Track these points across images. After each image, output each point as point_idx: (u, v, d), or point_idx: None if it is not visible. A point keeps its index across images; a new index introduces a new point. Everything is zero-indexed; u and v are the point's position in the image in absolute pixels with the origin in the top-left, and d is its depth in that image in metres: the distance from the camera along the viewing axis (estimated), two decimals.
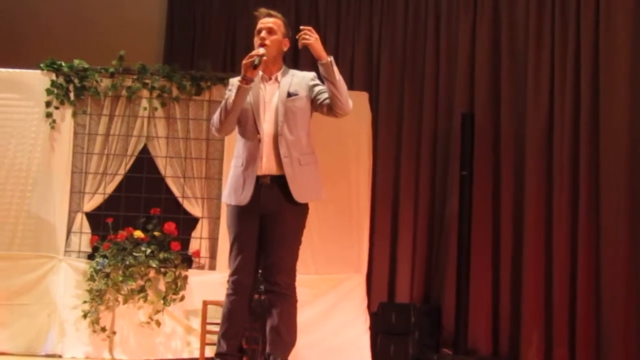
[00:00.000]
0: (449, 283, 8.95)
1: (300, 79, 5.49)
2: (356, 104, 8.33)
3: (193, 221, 8.38)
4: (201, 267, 8.31)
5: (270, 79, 5.50)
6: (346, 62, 9.90)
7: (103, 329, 7.93)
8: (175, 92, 8.39)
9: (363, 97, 8.66)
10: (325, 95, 5.38)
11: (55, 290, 8.08)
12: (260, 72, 5.43)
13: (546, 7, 8.76)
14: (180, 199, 8.38)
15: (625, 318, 8.04)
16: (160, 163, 8.40)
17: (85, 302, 7.95)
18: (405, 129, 9.50)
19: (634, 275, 8.07)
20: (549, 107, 8.68)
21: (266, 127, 5.35)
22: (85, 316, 7.92)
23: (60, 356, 7.91)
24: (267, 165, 5.33)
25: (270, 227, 5.35)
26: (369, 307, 8.56)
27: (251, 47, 10.55)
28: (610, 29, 8.40)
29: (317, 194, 5.44)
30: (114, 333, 7.98)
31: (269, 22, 5.48)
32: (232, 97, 5.33)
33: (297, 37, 5.30)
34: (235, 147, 5.54)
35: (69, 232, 8.26)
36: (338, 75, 5.26)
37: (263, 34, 5.44)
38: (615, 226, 8.16)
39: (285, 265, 5.36)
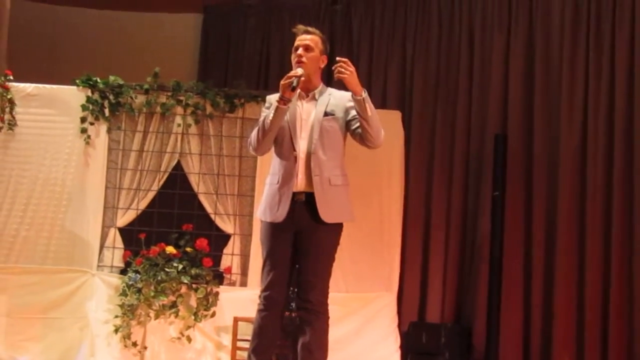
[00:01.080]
0: (480, 303, 8.92)
1: (338, 99, 5.46)
2: (389, 123, 8.42)
3: (225, 238, 8.41)
4: (232, 284, 8.33)
5: (307, 96, 5.48)
6: (379, 80, 9.93)
7: (134, 344, 7.96)
8: (208, 109, 8.43)
9: (396, 116, 8.68)
10: (358, 123, 5.37)
11: (87, 305, 8.12)
12: (298, 89, 5.40)
13: (581, 26, 8.74)
14: (212, 216, 8.41)
15: None
16: (193, 179, 8.44)
17: (117, 316, 7.98)
18: (437, 149, 9.50)
19: None
20: (582, 128, 8.65)
21: (302, 145, 5.34)
22: (116, 331, 7.96)
23: None
24: (301, 183, 5.32)
25: (304, 244, 5.35)
26: (399, 326, 8.54)
27: (285, 66, 10.63)
28: None
29: (345, 215, 5.41)
30: (145, 348, 8.01)
31: (307, 39, 5.45)
32: (270, 117, 5.32)
33: (332, 68, 5.28)
34: (271, 164, 5.54)
35: (102, 247, 8.31)
36: (370, 112, 5.22)
37: (300, 51, 5.40)
38: None
39: (318, 282, 5.34)
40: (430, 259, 9.39)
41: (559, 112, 8.78)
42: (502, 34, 9.25)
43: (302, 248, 5.36)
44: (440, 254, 9.35)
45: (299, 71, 5.33)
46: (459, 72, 9.51)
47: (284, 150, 5.39)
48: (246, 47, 10.89)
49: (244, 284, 8.31)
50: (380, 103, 9.73)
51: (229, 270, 8.31)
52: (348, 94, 5.40)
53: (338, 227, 5.42)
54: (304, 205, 5.31)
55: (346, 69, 5.18)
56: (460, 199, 9.36)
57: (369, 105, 5.22)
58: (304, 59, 5.38)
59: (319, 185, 5.29)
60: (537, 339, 8.68)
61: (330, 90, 5.56)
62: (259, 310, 5.46)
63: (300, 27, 5.54)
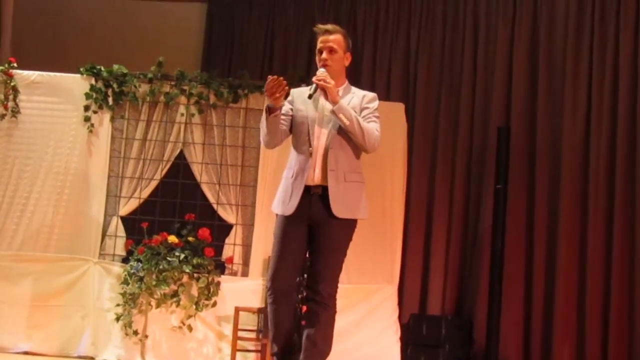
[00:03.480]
0: (481, 296, 8.94)
1: (359, 99, 5.48)
2: (392, 115, 8.42)
3: (227, 228, 8.41)
4: (234, 274, 8.34)
5: None
6: (383, 73, 9.94)
7: (135, 333, 7.98)
8: (212, 99, 8.43)
9: (399, 108, 8.67)
10: (365, 123, 5.40)
11: (89, 293, 8.14)
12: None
13: (585, 20, 8.75)
14: (215, 206, 8.41)
15: None
16: (196, 169, 8.45)
17: (118, 305, 8.00)
18: (440, 141, 9.51)
19: None
20: (585, 122, 8.65)
21: (322, 140, 5.34)
22: (118, 319, 7.98)
23: (92, 358, 7.96)
24: (318, 176, 5.32)
25: (317, 237, 5.34)
26: (400, 318, 8.55)
27: (288, 57, 10.64)
28: None
29: (358, 211, 5.40)
30: (146, 337, 8.03)
31: (329, 40, 5.44)
32: (264, 125, 5.36)
33: (312, 79, 5.29)
34: (289, 158, 5.53)
35: (104, 235, 8.32)
36: (347, 121, 5.25)
37: (324, 54, 5.41)
38: None
39: (328, 275, 5.34)
40: (432, 252, 9.41)
41: (563, 106, 8.79)
42: (507, 26, 9.25)
43: (315, 241, 5.35)
44: (442, 246, 9.37)
45: (321, 71, 5.34)
46: (463, 65, 9.52)
47: (301, 145, 5.40)
48: (250, 38, 10.90)
49: (245, 274, 8.32)
50: (384, 95, 9.73)
51: (230, 260, 8.32)
52: (369, 95, 5.50)
53: (352, 222, 5.43)
54: (319, 199, 5.31)
55: (327, 81, 5.25)
56: (463, 192, 9.37)
57: (343, 115, 5.24)
58: (329, 62, 5.40)
59: (334, 180, 5.30)
60: (538, 332, 8.69)
61: (355, 89, 5.59)
62: (270, 303, 5.44)
63: (321, 27, 5.51)
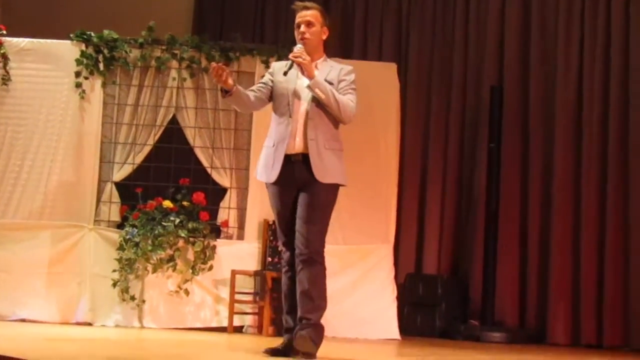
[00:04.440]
0: (476, 255, 8.98)
1: (337, 71, 5.68)
2: (384, 75, 8.41)
3: (222, 191, 8.41)
4: (229, 237, 8.35)
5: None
6: (375, 33, 9.91)
7: (132, 298, 8.00)
8: (204, 62, 8.39)
9: (391, 68, 8.63)
10: (342, 96, 5.60)
11: (85, 260, 8.14)
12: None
13: None
14: (208, 169, 8.41)
15: None
16: (189, 133, 8.43)
17: (114, 271, 8.01)
18: (433, 101, 9.51)
19: None
20: (578, 80, 8.65)
21: (301, 110, 5.57)
22: (114, 285, 7.99)
23: (90, 324, 7.98)
24: (299, 145, 5.53)
25: (302, 198, 5.56)
26: (396, 278, 8.57)
27: (280, 19, 10.57)
28: None
29: (338, 177, 5.60)
30: (143, 302, 8.05)
31: (307, 15, 5.68)
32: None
33: (290, 56, 5.52)
34: (269, 127, 5.73)
35: (98, 201, 8.31)
36: (323, 94, 5.50)
37: (302, 28, 5.65)
38: None
39: (313, 232, 5.51)
40: (427, 211, 9.43)
41: (555, 64, 8.78)
42: None
43: (301, 201, 5.56)
44: (437, 206, 9.39)
45: (298, 48, 5.56)
46: (455, 24, 9.50)
47: (280, 115, 5.63)
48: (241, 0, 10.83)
49: (241, 237, 8.34)
50: (377, 56, 9.71)
51: (226, 224, 8.33)
52: (346, 67, 5.73)
53: (334, 187, 5.61)
54: (302, 165, 5.53)
55: (304, 57, 5.48)
56: (457, 151, 9.38)
57: (319, 90, 5.48)
58: (307, 35, 5.63)
59: (314, 148, 5.52)
60: (533, 290, 8.74)
61: (332, 62, 5.78)
62: (284, 272, 5.69)
63: (299, 3, 5.73)
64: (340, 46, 9.61)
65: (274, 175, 5.57)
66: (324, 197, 5.56)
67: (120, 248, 8.03)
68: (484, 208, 8.85)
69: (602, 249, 8.35)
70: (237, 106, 5.81)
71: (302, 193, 5.57)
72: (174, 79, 8.40)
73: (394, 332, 8.20)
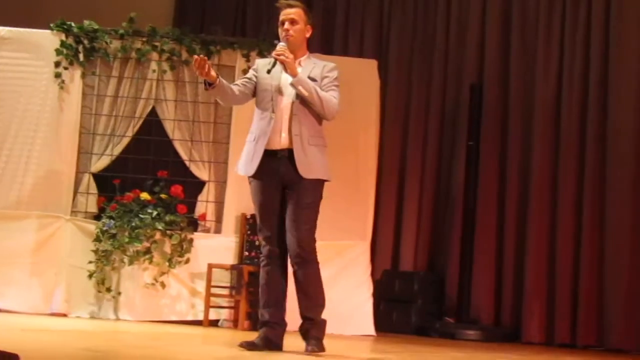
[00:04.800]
0: (453, 252, 9.00)
1: (320, 68, 5.79)
2: (365, 72, 8.42)
3: (200, 185, 8.40)
4: (207, 231, 8.35)
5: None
6: (356, 29, 9.90)
7: (108, 290, 7.98)
8: (184, 55, 8.38)
9: (372, 65, 8.64)
10: (325, 93, 5.71)
11: (61, 250, 8.11)
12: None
13: None
14: (187, 162, 8.39)
15: (627, 291, 8.10)
16: (168, 126, 8.42)
17: (91, 262, 7.99)
18: (413, 98, 9.52)
19: (637, 249, 8.10)
20: (557, 79, 8.69)
21: (285, 106, 5.66)
22: (90, 276, 7.97)
23: (65, 315, 7.96)
24: (284, 141, 5.63)
25: (289, 197, 5.65)
26: (372, 274, 8.59)
27: (261, 13, 10.55)
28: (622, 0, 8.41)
29: (323, 173, 5.70)
30: (119, 294, 8.03)
31: (291, 13, 5.77)
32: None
33: (272, 54, 5.64)
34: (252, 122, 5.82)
35: (76, 192, 8.29)
36: (306, 92, 5.60)
37: (287, 25, 5.74)
38: (621, 197, 8.20)
39: (304, 231, 5.63)
40: (405, 208, 9.45)
41: (535, 63, 8.81)
42: None
43: (287, 201, 5.66)
44: (415, 202, 9.41)
45: (281, 46, 5.66)
46: (436, 21, 9.51)
47: (263, 110, 5.71)
48: None
49: (218, 230, 8.33)
50: (357, 52, 9.71)
51: (203, 217, 8.32)
52: (330, 65, 5.85)
53: (319, 182, 5.72)
54: (287, 161, 5.62)
55: (287, 55, 5.60)
56: (436, 148, 9.40)
57: (302, 87, 5.58)
58: (291, 32, 5.73)
59: (298, 143, 5.61)
60: (509, 288, 8.77)
61: (315, 60, 5.89)
62: (263, 266, 5.76)
63: (283, 1, 5.83)
64: (321, 42, 9.61)
65: (252, 168, 5.64)
66: (311, 195, 5.66)
67: (97, 239, 8.01)
68: (462, 205, 8.88)
69: (578, 248, 8.39)
70: (220, 99, 5.85)
71: (288, 192, 5.66)
72: (154, 71, 8.38)
73: (370, 328, 8.23)
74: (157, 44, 8.37)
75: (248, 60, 8.30)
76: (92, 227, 8.11)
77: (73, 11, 8.89)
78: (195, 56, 5.48)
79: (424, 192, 9.40)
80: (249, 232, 8.13)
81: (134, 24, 8.38)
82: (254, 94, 5.78)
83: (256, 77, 5.77)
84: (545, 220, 8.60)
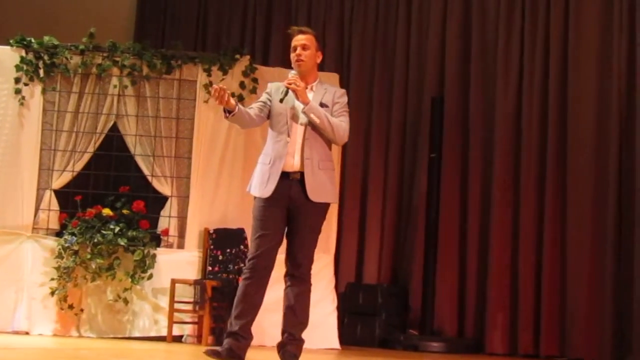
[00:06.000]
0: (416, 264, 9.03)
1: (331, 94, 5.97)
2: None
3: (162, 200, 8.38)
4: (170, 246, 8.32)
5: (306, 88, 5.88)
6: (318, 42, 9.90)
7: (71, 307, 7.93)
8: (145, 70, 8.36)
9: (334, 78, 8.66)
10: (335, 119, 5.90)
11: (22, 267, 8.05)
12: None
13: None
14: (149, 178, 8.37)
15: (588, 303, 8.17)
16: (130, 141, 8.39)
17: (53, 279, 7.94)
18: (375, 111, 9.56)
19: (598, 261, 8.18)
20: (517, 92, 8.76)
21: (298, 130, 5.83)
22: (53, 293, 7.92)
23: (27, 333, 7.90)
24: (297, 164, 5.79)
25: (296, 218, 5.80)
26: (336, 287, 8.60)
27: (222, 27, 10.53)
28: (580, 13, 8.50)
29: (330, 196, 5.88)
30: (82, 310, 7.99)
31: (302, 39, 5.95)
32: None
33: (285, 83, 5.78)
34: (265, 144, 5.94)
35: (37, 209, 8.23)
36: (318, 119, 5.76)
37: (298, 50, 5.91)
38: (581, 210, 8.27)
39: (307, 252, 5.84)
40: (368, 221, 9.47)
41: (495, 76, 8.87)
42: None
43: (294, 222, 5.82)
44: (378, 215, 9.43)
45: (292, 74, 5.83)
46: (397, 35, 9.56)
47: (278, 134, 5.85)
48: (183, 7, 10.80)
49: (181, 246, 8.31)
50: (319, 65, 9.70)
51: (166, 232, 8.29)
52: (340, 91, 6.05)
53: (325, 205, 5.89)
54: (298, 184, 5.78)
55: (298, 84, 5.74)
56: (398, 161, 9.44)
57: (314, 115, 5.75)
58: (302, 57, 5.90)
59: (309, 167, 5.78)
60: (472, 299, 8.81)
61: (326, 85, 6.07)
62: (245, 278, 5.81)
63: (295, 28, 6.05)
64: (282, 55, 9.61)
65: (268, 191, 5.76)
66: (316, 217, 5.84)
67: (59, 256, 7.96)
68: (424, 218, 8.91)
69: (540, 260, 8.44)
70: (239, 124, 5.94)
71: (294, 214, 5.79)
72: (115, 86, 8.36)
73: (334, 341, 8.23)
74: (117, 59, 8.35)
75: (209, 75, 8.30)
76: (53, 243, 8.07)
77: (32, 26, 8.87)
78: (215, 86, 5.58)
79: (387, 204, 9.42)
80: (212, 246, 8.11)
81: (94, 39, 8.35)
82: (268, 116, 5.92)
83: (270, 100, 5.91)
84: (507, 232, 8.66)
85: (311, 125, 5.79)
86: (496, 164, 8.76)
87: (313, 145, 5.80)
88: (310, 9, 10.06)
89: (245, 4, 10.44)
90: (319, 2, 10.01)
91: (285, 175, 5.76)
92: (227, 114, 5.70)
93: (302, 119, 5.81)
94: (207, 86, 8.22)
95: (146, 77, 8.36)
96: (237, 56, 8.44)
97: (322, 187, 5.80)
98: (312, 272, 8.23)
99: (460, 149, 9.05)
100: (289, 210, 5.81)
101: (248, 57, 8.49)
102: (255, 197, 5.88)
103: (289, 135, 5.79)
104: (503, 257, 8.62)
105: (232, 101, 5.64)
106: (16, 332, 7.90)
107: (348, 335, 8.72)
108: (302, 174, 5.77)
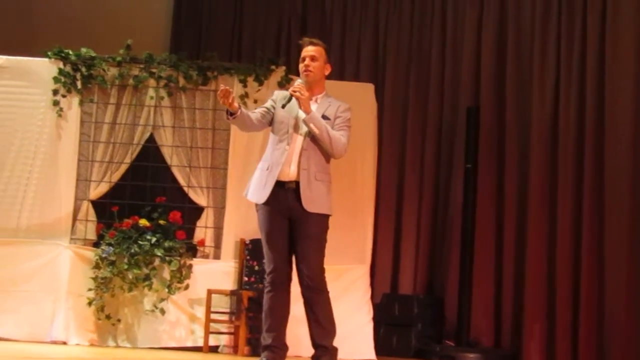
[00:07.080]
0: (452, 275, 8.99)
1: (335, 107, 6.04)
2: (361, 96, 8.44)
3: (198, 210, 8.41)
4: (206, 256, 8.34)
5: (311, 98, 5.97)
6: (352, 53, 9.93)
7: (108, 317, 7.97)
8: (181, 81, 8.41)
9: (369, 88, 8.67)
10: (335, 132, 5.96)
11: (60, 278, 8.11)
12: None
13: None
14: (185, 188, 8.40)
15: (627, 313, 8.08)
16: (166, 152, 8.43)
17: (90, 289, 7.99)
18: (410, 121, 9.54)
19: (637, 271, 8.10)
20: (554, 101, 8.70)
21: (298, 140, 5.91)
22: (90, 304, 7.97)
23: (65, 343, 7.95)
24: (293, 173, 5.86)
25: (296, 228, 5.89)
26: (372, 298, 8.58)
27: (257, 38, 10.56)
28: (617, 22, 8.43)
29: (325, 207, 5.92)
30: (119, 321, 8.03)
31: (312, 50, 6.03)
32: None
33: (291, 90, 5.86)
34: (265, 151, 6.04)
35: (74, 219, 8.29)
36: (317, 130, 5.83)
37: (307, 61, 6.00)
38: (618, 220, 8.19)
39: (312, 260, 5.88)
40: (403, 231, 9.45)
41: (531, 85, 8.83)
42: (475, 7, 9.28)
43: (295, 232, 5.89)
44: (413, 225, 9.41)
45: (299, 82, 5.90)
46: (432, 45, 9.54)
47: (278, 142, 5.95)
48: (219, 19, 10.84)
49: (217, 256, 8.33)
50: (353, 76, 9.73)
51: (202, 242, 8.32)
52: (343, 105, 6.10)
53: (323, 215, 5.94)
54: (293, 193, 5.85)
55: (302, 93, 5.81)
56: (433, 172, 9.41)
57: (314, 125, 5.83)
58: (310, 68, 6.00)
59: (305, 177, 5.85)
60: (508, 310, 8.75)
61: (331, 98, 6.10)
62: (267, 292, 5.92)
63: (306, 39, 6.13)
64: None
65: (264, 196, 5.85)
66: (316, 227, 5.88)
67: (96, 266, 8.01)
68: (460, 228, 8.87)
69: (578, 270, 8.38)
70: (240, 127, 6.02)
71: (294, 225, 5.87)
72: (151, 97, 8.41)
73: (370, 352, 8.21)
74: (154, 70, 8.40)
75: (245, 86, 8.33)
76: (91, 254, 8.11)
77: (69, 38, 8.92)
78: (222, 86, 5.70)
79: (422, 215, 9.40)
80: (248, 257, 8.13)
81: (131, 51, 8.41)
82: (270, 123, 6.01)
83: (274, 107, 6.00)
84: (544, 242, 8.60)
85: (311, 136, 5.85)
86: (532, 174, 8.71)
87: (311, 156, 5.88)
88: (344, 19, 10.07)
89: (281, 14, 10.47)
90: (354, 12, 10.02)
91: (281, 184, 5.85)
92: (229, 116, 5.77)
93: (303, 129, 5.87)
94: (243, 97, 8.26)
95: (182, 88, 8.40)
96: (273, 67, 8.46)
97: (319, 198, 5.87)
98: (347, 283, 8.33)
99: (496, 160, 9.01)
100: (290, 220, 5.89)
101: (284, 67, 8.49)
102: (256, 207, 5.96)
103: (288, 144, 5.88)
104: (540, 267, 8.57)
105: (236, 104, 5.72)
106: (54, 342, 7.95)
107: (384, 346, 8.70)
108: (297, 183, 5.84)
